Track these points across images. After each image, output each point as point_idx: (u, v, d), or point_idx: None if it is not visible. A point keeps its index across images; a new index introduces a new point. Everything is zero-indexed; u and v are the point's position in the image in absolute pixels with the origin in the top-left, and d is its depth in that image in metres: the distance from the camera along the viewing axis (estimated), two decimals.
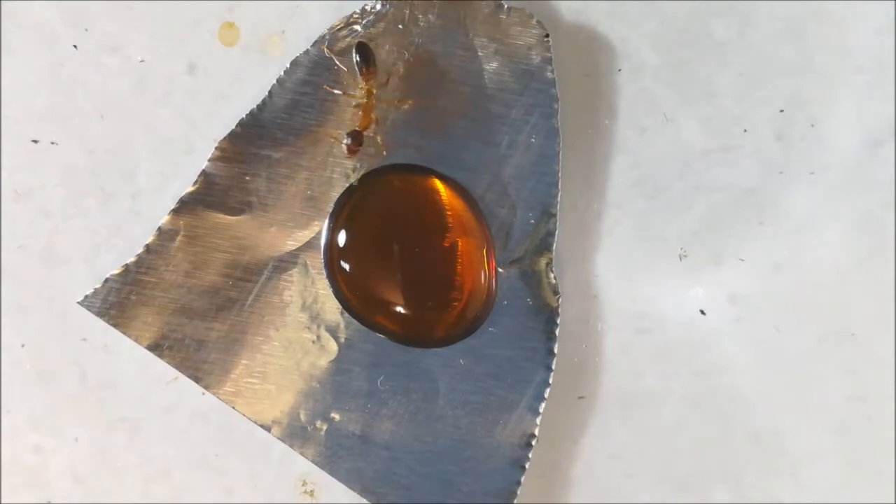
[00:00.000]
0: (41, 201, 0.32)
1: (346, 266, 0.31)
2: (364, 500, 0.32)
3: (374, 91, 0.30)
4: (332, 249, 0.31)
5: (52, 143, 0.32)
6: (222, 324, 0.32)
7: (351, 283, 0.31)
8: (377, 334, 0.31)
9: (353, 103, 0.30)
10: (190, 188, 0.31)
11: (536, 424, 0.31)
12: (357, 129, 0.30)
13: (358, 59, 0.30)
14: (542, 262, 0.31)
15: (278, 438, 0.32)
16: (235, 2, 0.31)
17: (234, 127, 0.31)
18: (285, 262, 0.31)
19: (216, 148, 0.31)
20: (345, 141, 0.30)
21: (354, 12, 0.31)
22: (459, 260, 0.31)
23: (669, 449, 0.32)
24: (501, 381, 0.31)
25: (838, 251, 0.31)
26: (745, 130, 0.31)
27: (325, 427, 0.32)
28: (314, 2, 0.31)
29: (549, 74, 0.30)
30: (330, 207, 0.31)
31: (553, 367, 0.31)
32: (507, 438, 0.31)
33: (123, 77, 0.32)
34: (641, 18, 0.31)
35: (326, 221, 0.31)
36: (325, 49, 0.30)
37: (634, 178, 0.31)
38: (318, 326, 0.31)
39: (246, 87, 0.31)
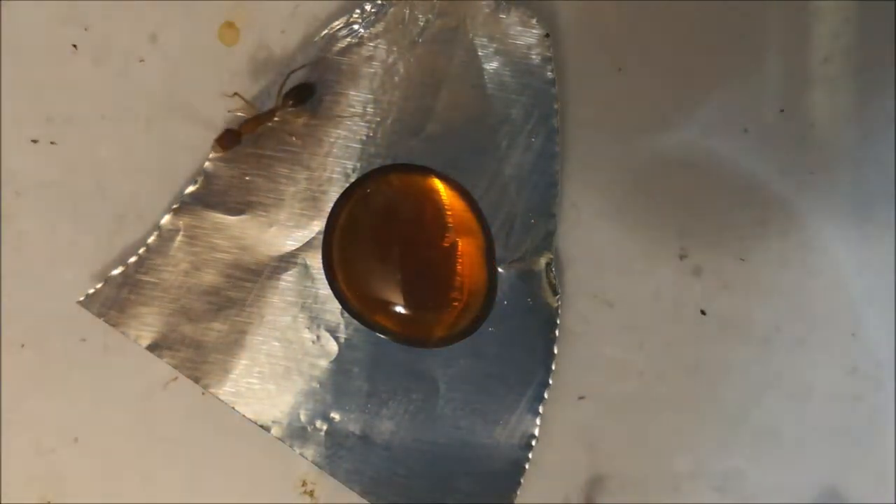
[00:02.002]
0: (41, 201, 0.32)
1: (346, 266, 0.31)
2: (364, 501, 0.32)
3: (277, 116, 0.30)
4: (331, 249, 0.31)
5: (52, 143, 0.32)
6: (222, 324, 0.32)
7: (351, 283, 0.31)
8: (377, 334, 0.31)
9: (251, 114, 0.31)
10: (190, 188, 0.31)
11: (536, 425, 0.31)
12: (236, 129, 0.30)
13: (301, 93, 0.30)
14: (542, 262, 0.31)
15: (278, 438, 0.32)
16: (235, 2, 0.31)
17: (234, 127, 0.31)
18: (285, 262, 0.31)
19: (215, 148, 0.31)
20: (218, 140, 0.30)
21: (354, 12, 0.31)
22: (459, 260, 0.31)
23: (670, 449, 0.32)
24: (501, 381, 0.31)
25: (838, 251, 0.31)
26: (746, 130, 0.31)
27: (325, 427, 0.32)
28: (314, 2, 0.31)
29: (549, 74, 0.30)
30: (330, 207, 0.31)
31: (553, 367, 0.31)
32: (507, 439, 0.31)
33: (123, 77, 0.32)
34: (641, 19, 0.31)
35: (326, 221, 0.31)
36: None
37: (634, 178, 0.31)
38: (318, 326, 0.31)
39: (246, 87, 0.31)
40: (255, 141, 0.31)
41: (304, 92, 0.31)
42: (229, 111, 0.31)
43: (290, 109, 0.30)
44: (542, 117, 0.31)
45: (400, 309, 0.31)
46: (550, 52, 0.30)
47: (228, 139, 0.30)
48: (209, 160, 0.31)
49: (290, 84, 0.31)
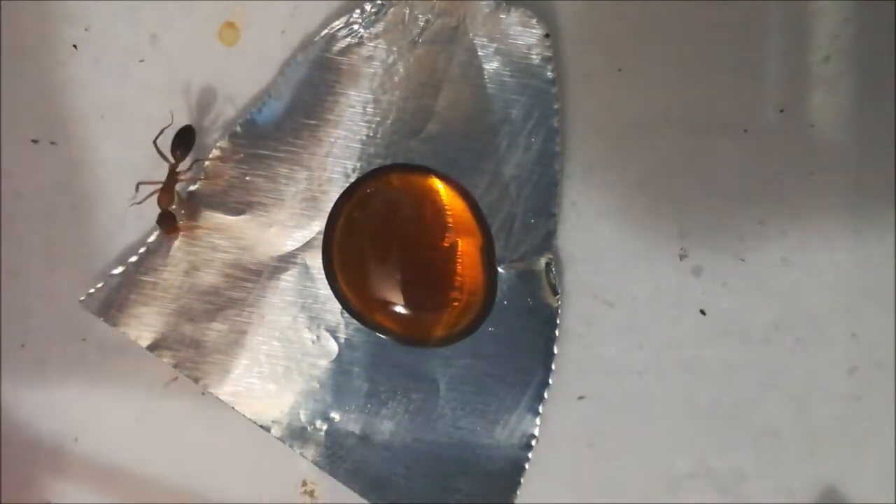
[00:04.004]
0: (41, 201, 0.32)
1: (347, 266, 0.31)
2: (364, 501, 0.32)
3: (177, 171, 0.31)
4: (331, 249, 0.31)
5: (52, 143, 0.32)
6: (222, 324, 0.32)
7: (351, 283, 0.31)
8: (377, 334, 0.31)
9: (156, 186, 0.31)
10: (190, 188, 0.31)
11: (536, 425, 0.31)
12: (161, 209, 0.31)
13: (183, 138, 0.31)
14: (542, 262, 0.31)
15: (278, 438, 0.32)
16: (235, 2, 0.31)
17: (234, 127, 0.31)
18: (285, 262, 0.31)
19: (216, 148, 0.31)
20: (159, 228, 0.31)
21: (354, 12, 0.31)
22: (459, 260, 0.31)
23: (670, 450, 0.32)
24: (501, 381, 0.31)
25: (838, 251, 0.31)
26: (746, 131, 0.31)
27: (325, 427, 0.32)
28: (314, 2, 0.31)
29: (549, 74, 0.30)
30: (330, 207, 0.31)
31: (553, 367, 0.31)
32: (507, 439, 0.31)
33: (123, 77, 0.32)
34: (641, 19, 0.31)
35: (326, 221, 0.31)
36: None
37: (634, 178, 0.31)
38: (318, 326, 0.31)
39: (246, 87, 0.31)
40: (256, 143, 0.31)
41: (186, 135, 0.31)
42: (133, 203, 0.31)
43: (179, 159, 0.31)
44: (542, 117, 0.31)
45: (400, 309, 0.31)
46: (550, 52, 0.30)
47: (168, 222, 0.30)
48: (209, 160, 0.31)
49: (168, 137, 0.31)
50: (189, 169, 0.31)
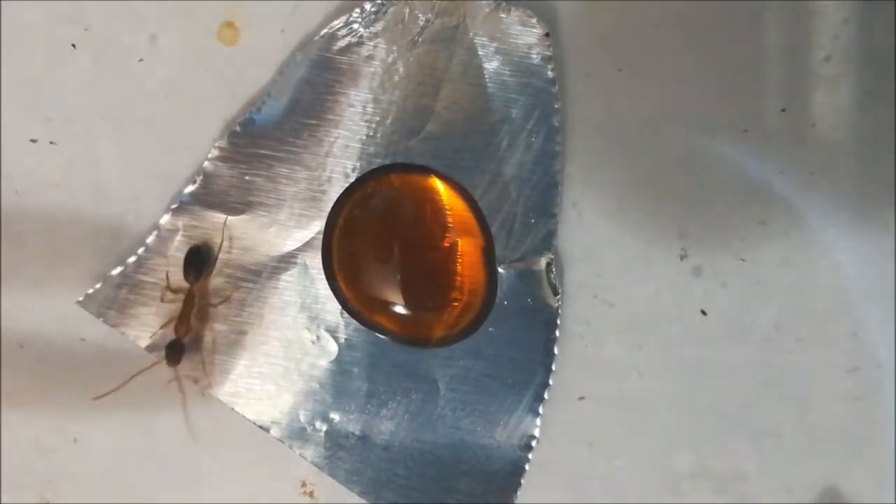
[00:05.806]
0: (41, 201, 0.32)
1: (346, 266, 0.31)
2: (364, 501, 0.32)
3: (196, 296, 0.30)
4: (331, 249, 0.31)
5: (52, 143, 0.32)
6: (222, 324, 0.32)
7: (351, 283, 0.31)
8: (377, 334, 0.31)
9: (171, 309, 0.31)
10: (189, 188, 0.31)
11: (536, 425, 0.31)
12: (175, 337, 0.30)
13: (194, 259, 0.30)
14: (542, 262, 0.31)
15: (278, 438, 0.32)
16: (235, 2, 0.31)
17: (234, 127, 0.31)
18: (285, 263, 0.31)
19: (216, 148, 0.31)
20: (164, 353, 0.30)
21: (354, 12, 0.31)
22: (459, 260, 0.31)
23: (670, 450, 0.32)
24: (501, 381, 0.31)
25: (838, 251, 0.31)
26: (746, 131, 0.31)
27: (324, 427, 0.32)
28: (314, 2, 0.31)
29: (549, 74, 0.30)
30: (330, 207, 0.31)
31: (553, 368, 0.31)
32: (507, 439, 0.31)
33: (123, 77, 0.32)
34: (641, 18, 0.31)
35: (326, 221, 0.31)
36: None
37: (634, 178, 0.31)
38: (318, 326, 0.31)
39: (246, 87, 0.31)
40: (256, 143, 0.31)
41: (196, 257, 0.31)
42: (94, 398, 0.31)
43: (195, 283, 0.31)
44: (543, 117, 0.31)
45: (400, 309, 0.31)
46: (551, 51, 0.30)
47: (176, 354, 0.30)
48: (209, 160, 0.31)
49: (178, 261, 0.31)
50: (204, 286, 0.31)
